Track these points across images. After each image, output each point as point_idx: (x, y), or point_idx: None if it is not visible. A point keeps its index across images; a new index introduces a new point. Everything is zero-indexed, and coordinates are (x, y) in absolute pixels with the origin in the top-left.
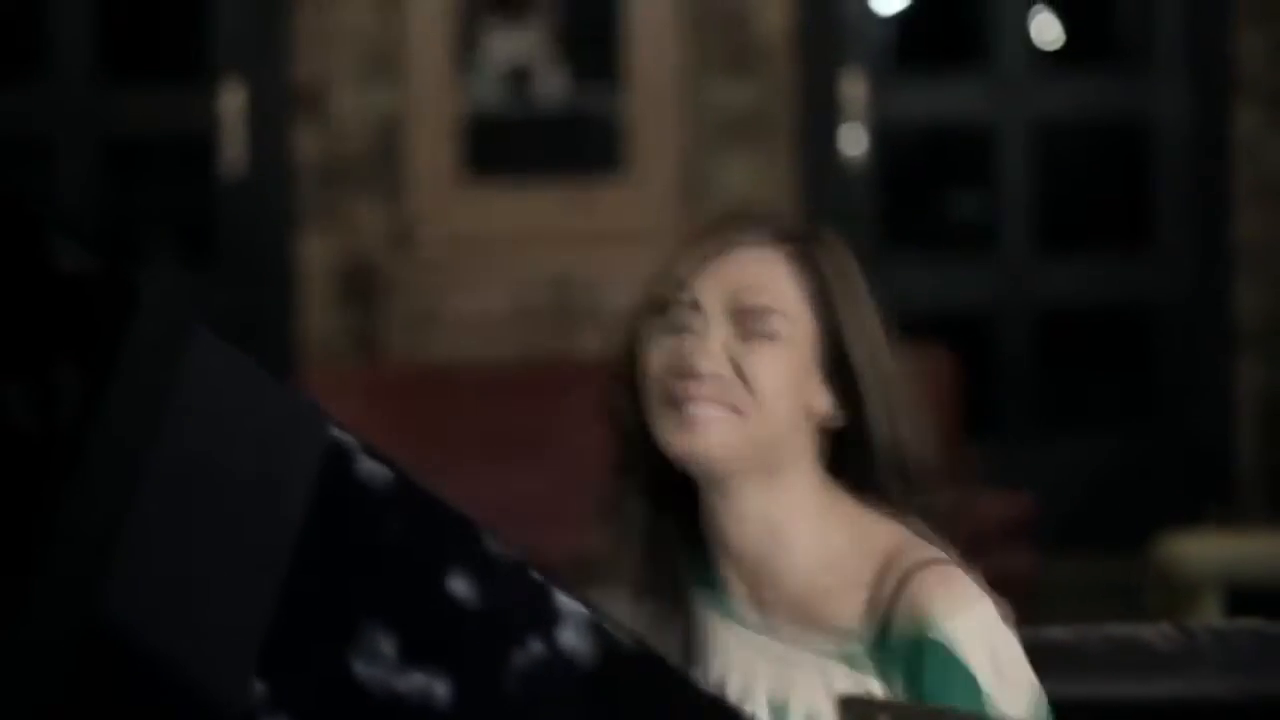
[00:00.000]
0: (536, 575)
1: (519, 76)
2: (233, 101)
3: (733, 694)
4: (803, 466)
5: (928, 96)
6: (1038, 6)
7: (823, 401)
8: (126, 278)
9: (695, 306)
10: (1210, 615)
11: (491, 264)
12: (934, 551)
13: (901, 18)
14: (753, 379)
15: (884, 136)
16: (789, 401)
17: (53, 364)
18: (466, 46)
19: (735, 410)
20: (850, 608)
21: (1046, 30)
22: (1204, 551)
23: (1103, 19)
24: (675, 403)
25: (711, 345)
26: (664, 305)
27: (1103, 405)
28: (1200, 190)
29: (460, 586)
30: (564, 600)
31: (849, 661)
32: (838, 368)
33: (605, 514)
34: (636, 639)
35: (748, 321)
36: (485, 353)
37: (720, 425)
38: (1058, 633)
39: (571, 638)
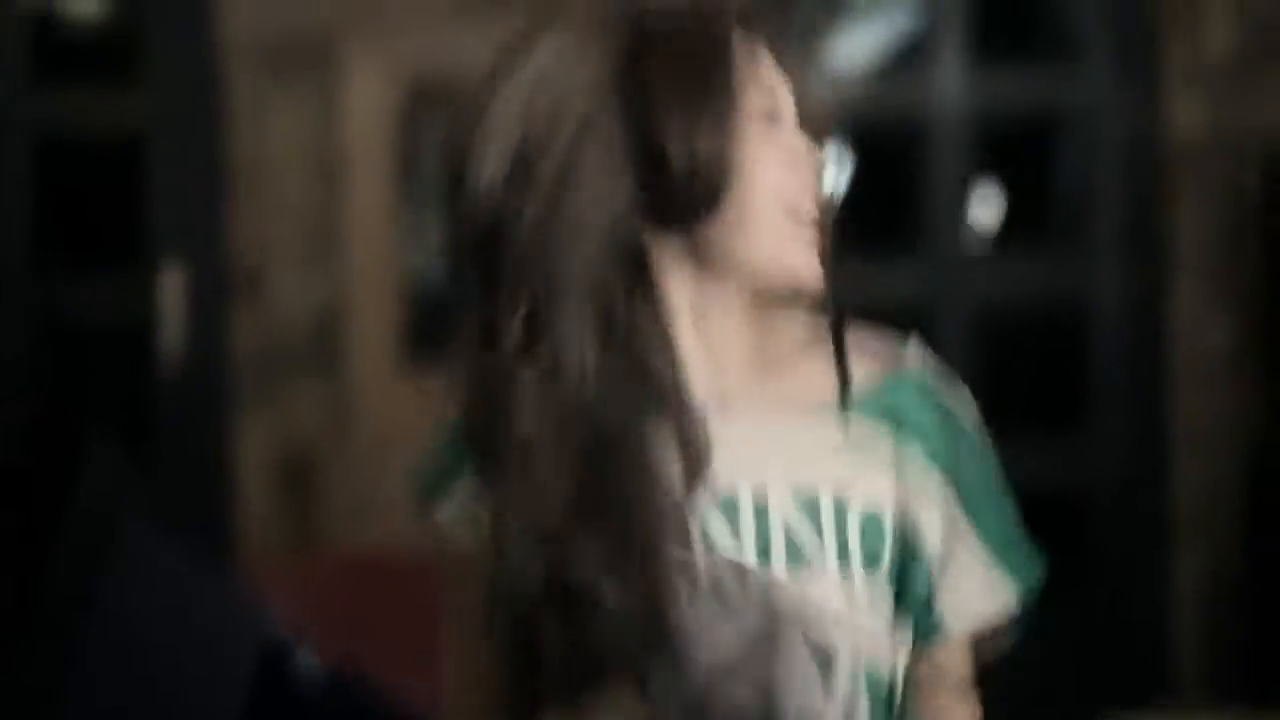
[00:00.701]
0: None
1: None
2: (169, 287)
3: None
4: None
5: (863, 279)
6: (973, 189)
7: None
8: (61, 469)
9: (779, 121)
10: None
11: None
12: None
13: (836, 200)
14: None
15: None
16: None
17: None
18: (409, 219)
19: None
20: (820, 383)
21: (982, 213)
22: None
23: (1038, 200)
24: (799, 223)
25: (811, 161)
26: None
27: (1040, 590)
28: (1138, 371)
29: None
30: None
31: (837, 423)
32: None
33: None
34: None
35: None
36: (427, 540)
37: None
38: None
39: None
